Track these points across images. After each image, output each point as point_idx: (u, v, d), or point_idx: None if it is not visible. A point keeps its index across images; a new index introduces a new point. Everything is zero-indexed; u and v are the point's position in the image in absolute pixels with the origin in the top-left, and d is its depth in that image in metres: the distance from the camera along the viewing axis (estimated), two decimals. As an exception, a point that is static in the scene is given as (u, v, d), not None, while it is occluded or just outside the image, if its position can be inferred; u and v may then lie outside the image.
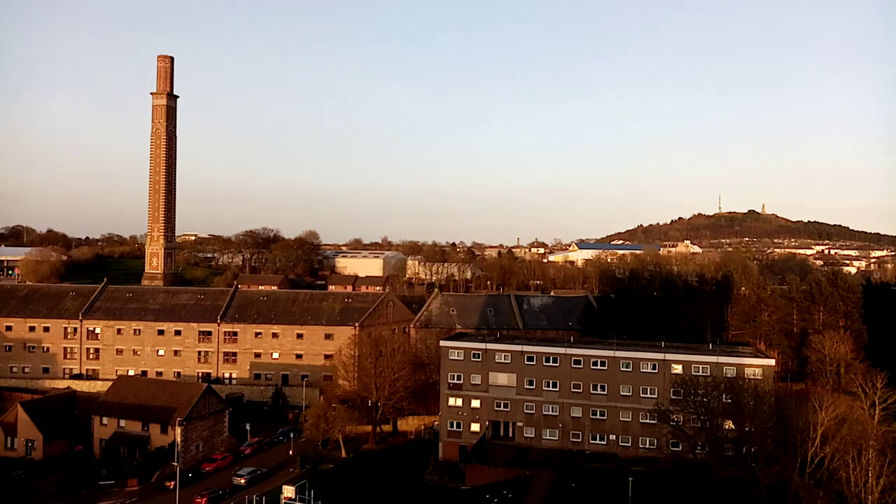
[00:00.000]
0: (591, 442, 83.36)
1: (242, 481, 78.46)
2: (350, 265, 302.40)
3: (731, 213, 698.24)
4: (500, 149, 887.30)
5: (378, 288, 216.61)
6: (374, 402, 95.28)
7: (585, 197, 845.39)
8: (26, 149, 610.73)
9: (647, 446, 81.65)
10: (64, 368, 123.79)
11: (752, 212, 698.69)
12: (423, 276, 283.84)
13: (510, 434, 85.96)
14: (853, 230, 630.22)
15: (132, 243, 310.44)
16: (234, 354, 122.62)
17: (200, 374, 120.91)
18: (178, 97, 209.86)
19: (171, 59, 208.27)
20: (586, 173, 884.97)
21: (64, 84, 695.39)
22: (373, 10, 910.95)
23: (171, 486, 73.46)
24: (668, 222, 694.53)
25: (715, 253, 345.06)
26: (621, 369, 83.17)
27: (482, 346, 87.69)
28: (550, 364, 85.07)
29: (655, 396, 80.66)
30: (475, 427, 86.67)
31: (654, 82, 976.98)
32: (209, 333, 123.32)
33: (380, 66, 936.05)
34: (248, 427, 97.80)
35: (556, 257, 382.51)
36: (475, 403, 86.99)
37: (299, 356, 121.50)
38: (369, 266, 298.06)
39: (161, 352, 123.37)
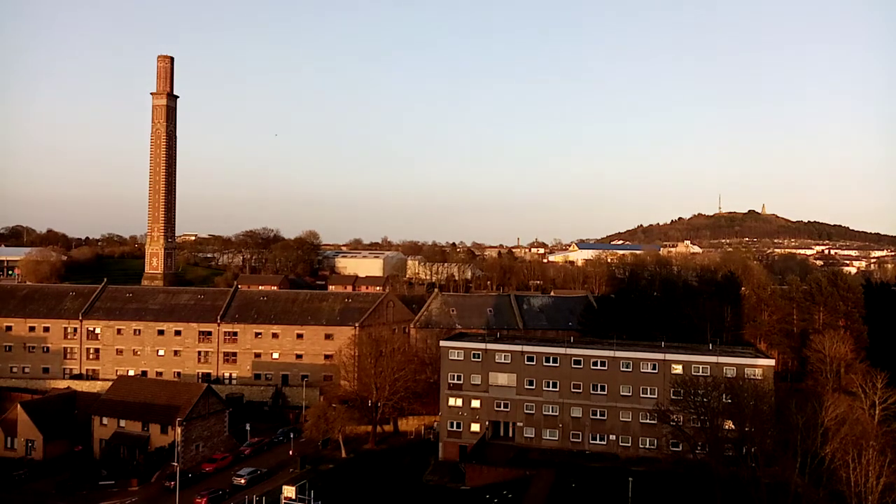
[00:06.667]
0: (592, 442, 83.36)
1: (242, 481, 78.50)
2: (350, 265, 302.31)
3: (731, 213, 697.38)
4: (499, 149, 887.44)
5: (378, 288, 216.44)
6: (374, 402, 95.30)
7: (585, 197, 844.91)
8: (26, 149, 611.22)
9: (647, 446, 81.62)
10: (64, 368, 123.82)
11: (752, 212, 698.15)
12: (423, 276, 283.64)
13: (510, 434, 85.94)
14: (853, 230, 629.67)
15: (132, 243, 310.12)
16: (234, 354, 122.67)
17: (200, 374, 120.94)
18: (178, 97, 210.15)
19: (171, 59, 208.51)
20: (586, 173, 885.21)
21: (64, 84, 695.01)
22: (373, 10, 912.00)
23: (171, 487, 73.41)
24: (668, 222, 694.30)
25: (715, 253, 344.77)
26: (621, 369, 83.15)
27: (482, 346, 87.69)
28: (550, 364, 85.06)
29: (655, 396, 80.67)
30: (475, 427, 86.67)
31: (655, 82, 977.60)
32: (209, 333, 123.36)
33: (380, 65, 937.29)
34: (248, 427, 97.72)
35: (556, 257, 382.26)
36: (475, 403, 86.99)
37: (299, 356, 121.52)
38: (369, 266, 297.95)
39: (161, 352, 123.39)
